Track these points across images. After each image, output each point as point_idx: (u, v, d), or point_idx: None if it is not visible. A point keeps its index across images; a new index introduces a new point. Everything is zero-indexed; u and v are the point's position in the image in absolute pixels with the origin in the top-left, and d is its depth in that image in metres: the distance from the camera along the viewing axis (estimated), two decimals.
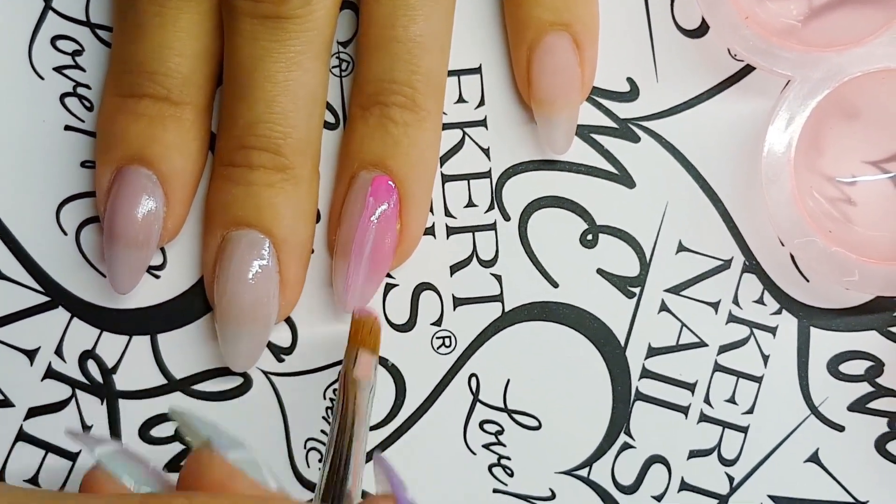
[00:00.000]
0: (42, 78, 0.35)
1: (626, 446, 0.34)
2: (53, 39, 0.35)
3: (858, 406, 0.34)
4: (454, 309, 0.35)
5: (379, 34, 0.33)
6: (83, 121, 0.35)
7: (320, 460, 0.33)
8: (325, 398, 0.34)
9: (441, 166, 0.35)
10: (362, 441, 0.29)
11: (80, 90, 0.35)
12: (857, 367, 0.34)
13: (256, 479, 0.26)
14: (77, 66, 0.35)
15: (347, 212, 0.33)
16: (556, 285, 0.35)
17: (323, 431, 0.34)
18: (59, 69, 0.35)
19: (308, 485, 0.34)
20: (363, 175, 0.33)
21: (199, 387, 0.34)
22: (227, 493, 0.24)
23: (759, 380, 0.34)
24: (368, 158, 0.33)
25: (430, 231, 0.35)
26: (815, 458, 0.34)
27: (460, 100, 0.35)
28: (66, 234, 0.35)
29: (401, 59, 0.33)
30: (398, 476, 0.26)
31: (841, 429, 0.34)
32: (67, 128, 0.35)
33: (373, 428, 0.34)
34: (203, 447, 0.26)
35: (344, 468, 0.27)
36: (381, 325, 0.33)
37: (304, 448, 0.34)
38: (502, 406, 0.34)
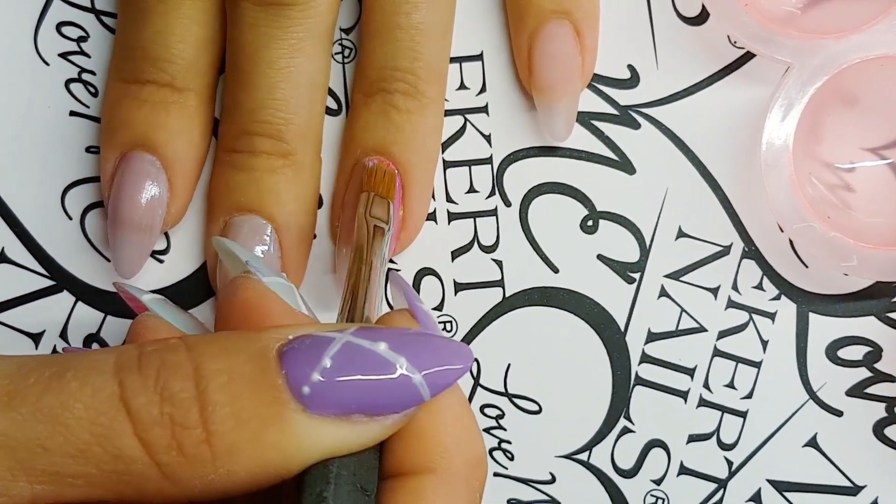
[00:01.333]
0: (47, 64, 0.35)
1: (625, 430, 0.34)
2: (59, 26, 0.35)
3: (857, 391, 0.34)
4: (455, 294, 0.35)
5: (382, 21, 0.33)
6: (88, 106, 0.35)
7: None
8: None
9: (443, 153, 0.35)
10: (378, 276, 0.29)
11: (86, 76, 0.35)
12: (856, 352, 0.34)
13: (289, 302, 0.27)
14: (82, 53, 0.35)
15: (350, 198, 0.34)
16: (556, 271, 0.35)
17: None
18: (64, 55, 0.35)
19: None
20: (367, 162, 0.33)
21: None
22: (225, 332, 0.25)
23: (758, 365, 0.35)
24: (371, 145, 0.33)
25: (431, 217, 0.35)
26: (813, 443, 0.34)
27: (462, 87, 0.35)
28: (70, 218, 0.35)
29: (403, 47, 0.33)
30: (413, 290, 0.27)
31: (839, 414, 0.34)
32: (72, 113, 0.35)
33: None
34: (242, 273, 0.27)
35: (361, 296, 0.28)
36: (395, 174, 0.33)
37: None
38: (503, 390, 0.35)
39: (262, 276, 0.27)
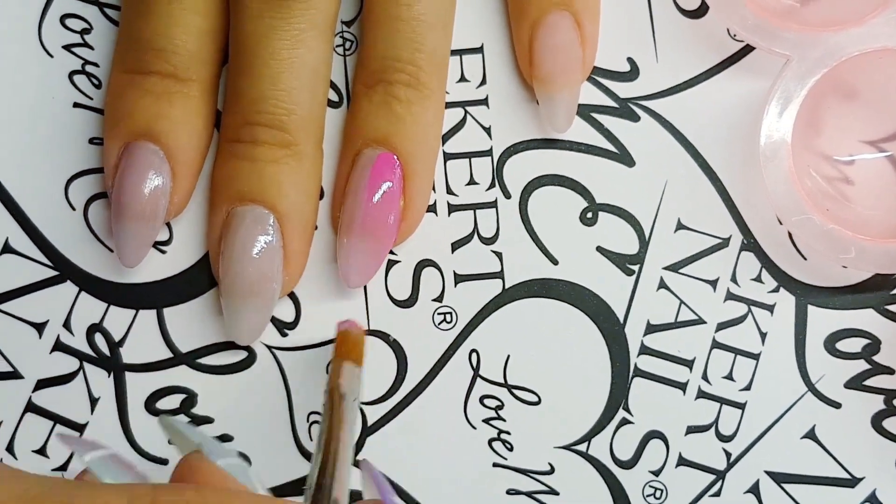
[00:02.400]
0: (51, 56, 0.36)
1: (624, 422, 0.35)
2: (62, 18, 0.36)
3: (855, 383, 0.34)
4: (455, 285, 0.35)
5: (383, 12, 0.34)
6: (91, 98, 0.35)
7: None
8: (327, 372, 0.35)
9: (443, 144, 0.35)
10: (348, 450, 0.29)
11: (89, 68, 0.36)
12: (854, 344, 0.35)
13: (245, 484, 0.27)
14: (86, 45, 0.36)
15: (351, 188, 0.34)
16: (556, 262, 0.35)
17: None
18: (68, 47, 0.36)
19: (309, 456, 0.35)
20: (367, 152, 0.34)
21: (204, 360, 0.35)
22: (233, 489, 0.25)
23: (756, 357, 0.35)
24: (372, 136, 0.34)
25: (431, 208, 0.35)
26: (811, 435, 0.34)
27: (462, 79, 0.35)
28: (74, 209, 0.35)
29: (404, 38, 0.33)
30: (384, 481, 0.27)
31: (838, 406, 0.34)
32: (76, 105, 0.36)
33: (374, 402, 0.35)
34: (194, 453, 0.27)
35: (330, 476, 0.28)
36: (364, 338, 0.34)
37: (307, 421, 0.35)
38: (502, 381, 0.35)
39: (217, 458, 0.26)
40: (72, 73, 0.36)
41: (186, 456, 0.27)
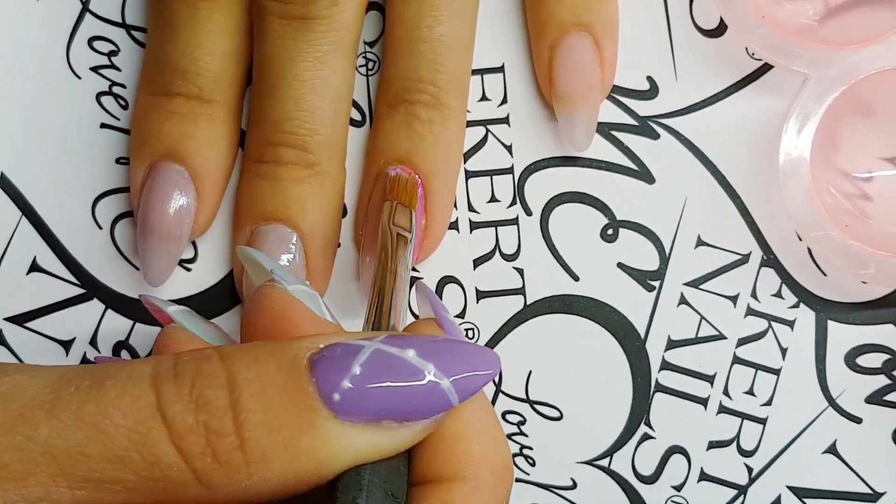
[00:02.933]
0: (79, 77, 0.36)
1: (646, 437, 0.35)
2: (90, 40, 0.36)
3: (876, 398, 0.35)
4: (477, 301, 0.35)
5: (405, 34, 0.34)
6: (118, 119, 0.36)
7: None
8: None
9: (465, 163, 0.36)
10: (403, 285, 0.29)
11: (116, 89, 0.36)
12: (875, 359, 0.35)
13: (314, 310, 0.27)
14: (113, 66, 0.36)
15: (374, 207, 0.34)
16: (577, 279, 0.35)
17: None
18: (95, 69, 0.36)
19: None
20: (389, 171, 0.34)
21: None
22: (257, 342, 0.25)
23: (777, 372, 0.35)
24: (394, 155, 0.34)
25: (453, 226, 0.35)
26: (832, 450, 0.35)
27: (483, 98, 0.36)
28: (101, 228, 0.36)
29: (426, 59, 0.34)
30: (438, 299, 0.27)
31: (858, 421, 0.35)
32: (103, 125, 0.36)
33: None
34: (266, 283, 0.27)
35: (387, 306, 0.28)
36: (417, 183, 0.34)
37: None
38: (524, 397, 0.35)
39: (287, 284, 0.27)
40: (99, 95, 0.36)
41: (260, 285, 0.28)
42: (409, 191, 0.33)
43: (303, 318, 0.27)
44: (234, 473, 0.23)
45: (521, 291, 0.35)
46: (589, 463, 0.35)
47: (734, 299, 0.35)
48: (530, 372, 0.35)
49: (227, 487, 0.23)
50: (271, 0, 0.33)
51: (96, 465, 0.23)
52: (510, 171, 0.36)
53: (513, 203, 0.36)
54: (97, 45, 0.36)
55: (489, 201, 0.36)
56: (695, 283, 0.35)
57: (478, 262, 0.36)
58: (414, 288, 0.30)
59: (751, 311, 0.35)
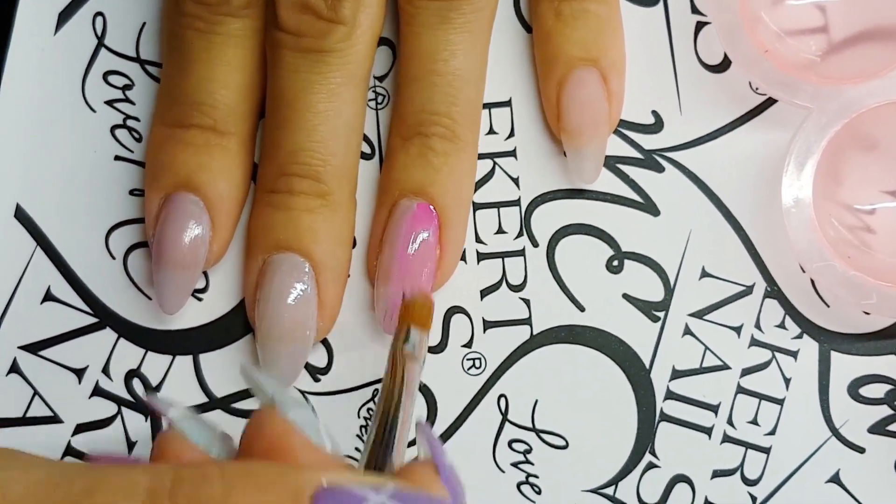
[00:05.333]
0: (94, 111, 0.37)
1: (650, 466, 0.35)
2: (105, 74, 0.37)
3: (879, 428, 0.35)
4: (484, 331, 0.36)
5: (420, 66, 0.35)
6: (132, 151, 0.37)
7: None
8: (359, 416, 0.35)
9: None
10: (408, 413, 0.30)
11: (130, 122, 0.37)
12: (877, 390, 0.35)
13: (313, 439, 0.27)
14: (127, 100, 0.37)
15: (389, 238, 0.35)
16: (582, 309, 0.36)
17: (357, 449, 0.35)
18: (110, 102, 0.37)
19: None
20: (405, 202, 0.34)
21: (239, 405, 0.36)
22: (259, 460, 0.25)
23: (780, 402, 0.35)
24: (410, 186, 0.35)
25: (461, 256, 0.36)
26: (836, 479, 0.35)
27: (491, 131, 0.36)
28: (114, 258, 0.36)
29: (442, 91, 0.34)
30: (438, 442, 0.27)
31: (861, 450, 0.35)
32: (117, 158, 0.37)
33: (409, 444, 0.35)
34: (267, 405, 0.27)
35: (389, 436, 0.29)
36: (432, 305, 0.34)
37: None
38: (530, 426, 0.35)
39: (287, 410, 0.27)
40: (113, 128, 0.37)
41: (258, 411, 0.27)
42: (423, 313, 0.33)
43: (301, 448, 0.27)
44: None
45: (527, 322, 0.36)
46: (594, 491, 0.35)
47: (738, 330, 0.35)
48: (536, 401, 0.35)
49: None
50: (285, 33, 0.33)
51: None
52: (517, 203, 0.36)
53: (519, 234, 0.36)
54: (112, 79, 0.37)
55: (496, 233, 0.36)
56: (699, 314, 0.36)
57: (485, 293, 0.36)
58: (417, 428, 0.30)
59: (754, 342, 0.35)
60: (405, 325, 0.32)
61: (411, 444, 0.31)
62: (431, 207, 0.34)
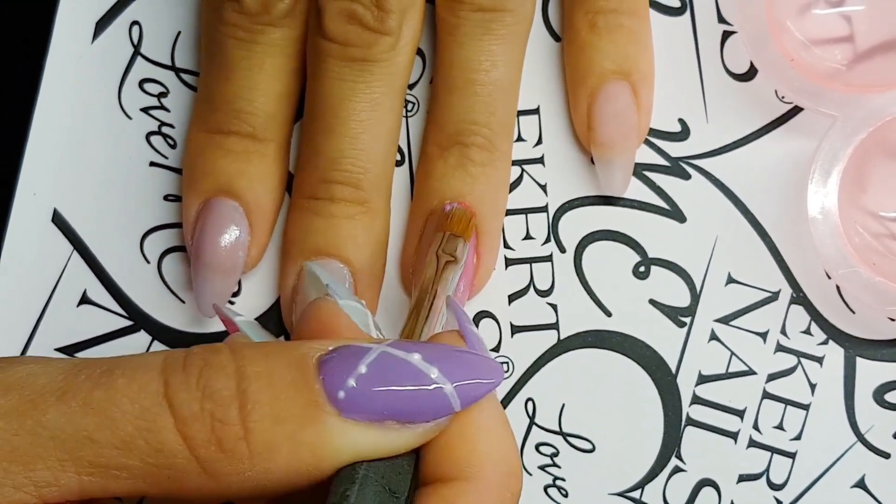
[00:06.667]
0: (130, 118, 0.38)
1: (677, 469, 0.35)
2: (141, 82, 0.38)
3: None
4: (512, 336, 0.36)
5: (460, 77, 0.35)
6: (167, 157, 0.37)
7: None
8: None
9: None
10: (439, 311, 0.30)
11: (165, 129, 0.37)
12: None
13: (360, 326, 0.28)
14: (162, 107, 0.38)
15: (426, 246, 0.35)
16: (609, 314, 0.36)
17: None
18: (145, 110, 0.38)
19: None
20: (445, 206, 0.35)
21: None
22: (270, 341, 0.26)
23: (806, 407, 0.35)
24: (448, 196, 0.35)
25: None
26: (861, 484, 0.35)
27: (519, 139, 0.37)
28: (148, 262, 0.37)
29: (481, 102, 0.35)
30: (464, 312, 0.28)
31: (887, 456, 0.35)
32: (152, 164, 0.37)
33: None
34: (321, 297, 0.28)
35: (420, 327, 0.29)
36: (473, 214, 0.34)
37: None
38: (557, 429, 0.36)
39: (339, 298, 0.28)
40: (149, 134, 0.37)
41: (313, 299, 0.28)
42: (463, 222, 0.34)
43: (347, 329, 0.28)
44: (238, 463, 0.24)
45: (554, 326, 0.36)
46: (621, 495, 0.36)
47: (764, 336, 0.36)
48: (563, 405, 0.36)
49: (230, 477, 0.24)
50: (331, 42, 0.34)
51: (103, 450, 0.24)
52: (545, 209, 0.37)
53: (547, 240, 0.37)
54: (147, 86, 0.38)
55: (524, 238, 0.37)
56: (725, 320, 0.36)
57: (513, 298, 0.36)
58: (445, 303, 0.30)
59: (780, 348, 0.36)
60: (444, 231, 0.33)
61: None
62: (472, 209, 0.35)
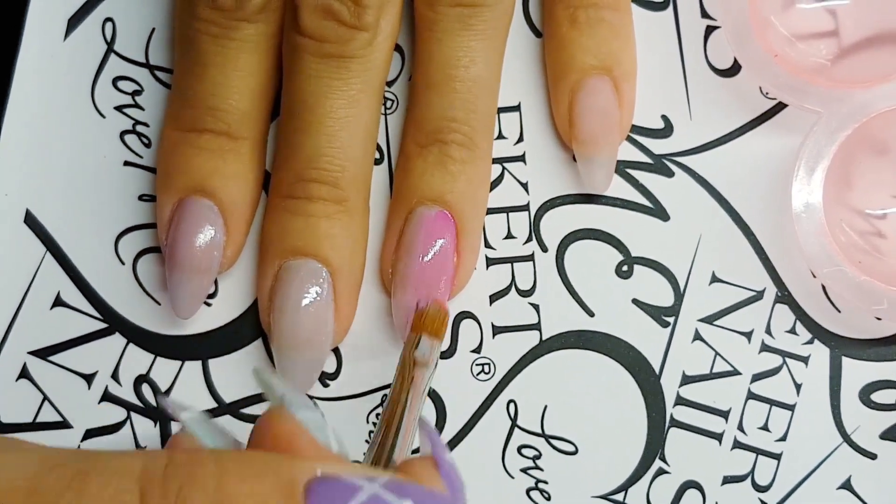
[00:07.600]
0: (104, 116, 0.37)
1: (661, 472, 0.35)
2: (115, 80, 0.37)
3: (890, 434, 0.35)
4: (493, 337, 0.36)
5: (439, 73, 0.34)
6: (141, 157, 0.37)
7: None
8: (367, 422, 0.35)
9: None
10: (414, 418, 0.30)
11: (139, 128, 0.37)
12: (889, 396, 0.35)
13: (320, 439, 0.27)
14: (136, 105, 0.37)
15: (407, 245, 0.34)
16: (592, 314, 0.36)
17: (364, 454, 0.35)
18: (119, 108, 0.37)
19: None
20: (422, 210, 0.34)
21: (248, 410, 0.36)
22: (256, 450, 0.25)
23: (791, 408, 0.35)
24: (427, 194, 0.34)
25: None
26: (847, 486, 0.35)
27: (500, 136, 0.36)
28: (123, 263, 0.36)
29: (461, 99, 0.34)
30: (439, 438, 0.27)
31: (873, 456, 0.35)
32: (126, 163, 0.37)
33: (413, 452, 0.35)
34: (277, 406, 0.27)
35: (393, 439, 0.29)
36: (447, 314, 0.34)
37: None
38: (540, 431, 0.35)
39: (296, 410, 0.27)
40: (123, 133, 0.37)
41: (267, 409, 0.27)
42: (437, 321, 0.33)
43: (307, 446, 0.26)
44: None
45: (536, 327, 0.36)
46: (604, 497, 0.35)
47: (748, 335, 0.35)
48: (546, 407, 0.35)
49: None
50: (307, 38, 0.33)
51: None
52: (526, 208, 0.36)
53: (529, 240, 0.36)
54: (121, 84, 0.37)
55: (505, 238, 0.36)
56: (709, 320, 0.36)
57: (494, 298, 0.36)
58: (418, 424, 0.30)
59: (765, 348, 0.35)
60: (418, 333, 0.32)
61: (415, 452, 0.31)
62: (449, 215, 0.34)
